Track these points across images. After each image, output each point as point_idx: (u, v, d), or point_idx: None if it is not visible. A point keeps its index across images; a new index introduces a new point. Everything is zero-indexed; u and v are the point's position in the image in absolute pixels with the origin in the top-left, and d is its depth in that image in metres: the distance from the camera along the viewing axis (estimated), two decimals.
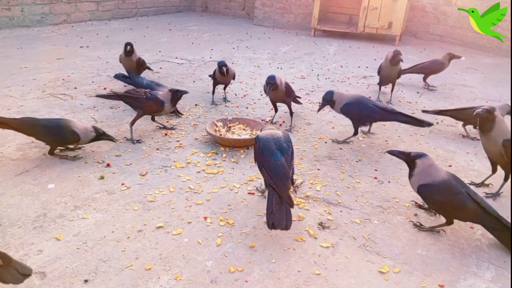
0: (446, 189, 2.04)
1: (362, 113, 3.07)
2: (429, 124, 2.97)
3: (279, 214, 1.92)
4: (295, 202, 2.33)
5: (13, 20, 6.70)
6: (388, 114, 3.06)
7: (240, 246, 1.97)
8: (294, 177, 2.61)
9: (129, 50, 3.95)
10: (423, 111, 3.61)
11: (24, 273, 1.51)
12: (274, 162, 2.04)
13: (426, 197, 2.14)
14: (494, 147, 2.40)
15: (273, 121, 3.53)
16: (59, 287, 1.67)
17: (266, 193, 2.32)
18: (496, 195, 2.51)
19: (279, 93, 3.28)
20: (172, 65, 5.18)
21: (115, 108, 3.60)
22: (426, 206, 2.33)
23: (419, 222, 2.20)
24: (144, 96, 2.98)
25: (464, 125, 3.41)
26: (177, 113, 3.52)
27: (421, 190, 2.10)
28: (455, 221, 2.14)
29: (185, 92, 3.16)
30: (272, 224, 1.90)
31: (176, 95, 3.07)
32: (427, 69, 4.68)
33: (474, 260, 1.97)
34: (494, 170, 2.55)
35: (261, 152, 2.11)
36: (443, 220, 2.15)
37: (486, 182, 2.62)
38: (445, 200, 2.04)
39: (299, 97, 3.79)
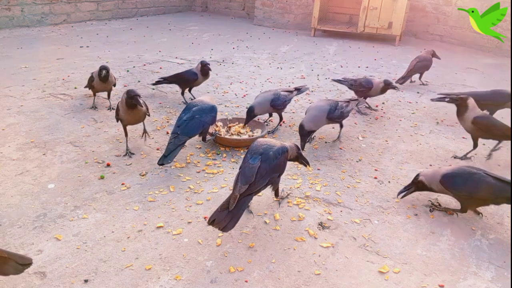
0: None
1: None
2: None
3: (225, 214, 1.87)
4: (295, 202, 2.34)
5: (13, 20, 6.71)
6: None
7: (240, 246, 1.97)
8: (294, 177, 2.63)
9: (104, 75, 3.45)
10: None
11: (23, 263, 1.53)
12: (248, 164, 2.04)
13: None
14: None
15: (267, 121, 3.49)
16: (59, 287, 1.67)
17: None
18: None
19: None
20: (172, 65, 5.18)
21: (115, 108, 3.60)
22: (440, 207, 2.36)
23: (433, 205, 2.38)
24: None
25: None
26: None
27: None
28: (456, 222, 2.15)
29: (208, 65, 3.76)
30: (213, 220, 1.86)
31: (205, 67, 3.74)
32: (425, 68, 4.80)
33: (474, 260, 1.97)
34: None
35: (246, 154, 2.14)
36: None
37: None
38: None
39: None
